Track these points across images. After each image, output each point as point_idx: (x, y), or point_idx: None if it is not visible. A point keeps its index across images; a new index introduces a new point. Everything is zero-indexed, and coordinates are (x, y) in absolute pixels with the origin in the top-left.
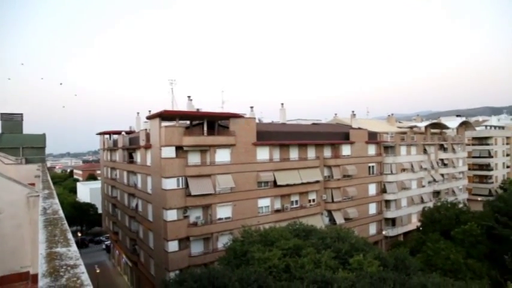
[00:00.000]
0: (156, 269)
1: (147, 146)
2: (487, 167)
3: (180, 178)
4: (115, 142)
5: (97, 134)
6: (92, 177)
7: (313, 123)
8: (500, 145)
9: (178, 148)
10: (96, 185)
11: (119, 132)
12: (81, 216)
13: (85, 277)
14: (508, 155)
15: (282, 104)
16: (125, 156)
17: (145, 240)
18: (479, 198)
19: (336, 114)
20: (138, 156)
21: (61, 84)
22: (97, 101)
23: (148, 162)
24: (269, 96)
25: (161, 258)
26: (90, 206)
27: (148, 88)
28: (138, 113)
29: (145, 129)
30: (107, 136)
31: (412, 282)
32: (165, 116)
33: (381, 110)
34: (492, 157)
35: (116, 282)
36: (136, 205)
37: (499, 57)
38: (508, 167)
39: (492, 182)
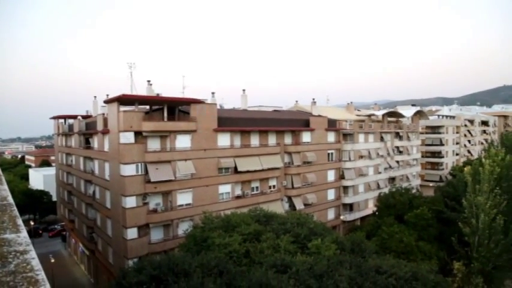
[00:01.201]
0: (114, 257)
1: (105, 131)
2: (439, 155)
3: (139, 164)
4: (70, 127)
5: (51, 118)
6: (45, 164)
7: (275, 110)
8: (450, 134)
9: (138, 133)
10: (51, 171)
11: (74, 117)
12: (33, 204)
13: (35, 262)
14: (457, 143)
15: (244, 90)
16: (81, 142)
17: (103, 228)
18: (430, 184)
19: (297, 101)
20: (95, 142)
21: None
22: (51, 84)
23: (106, 148)
24: (231, 82)
25: (120, 246)
26: (43, 194)
27: (106, 72)
28: (95, 96)
29: (103, 114)
30: (61, 120)
31: (367, 265)
32: (124, 100)
33: (341, 98)
34: (443, 145)
35: (72, 271)
36: (94, 192)
37: (452, 51)
38: (457, 154)
39: (443, 169)
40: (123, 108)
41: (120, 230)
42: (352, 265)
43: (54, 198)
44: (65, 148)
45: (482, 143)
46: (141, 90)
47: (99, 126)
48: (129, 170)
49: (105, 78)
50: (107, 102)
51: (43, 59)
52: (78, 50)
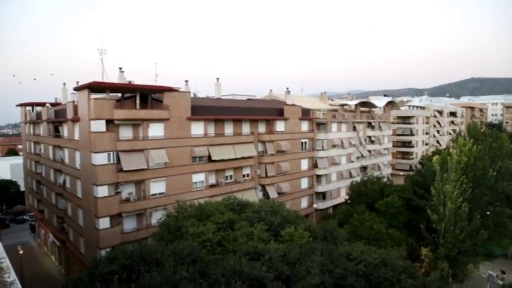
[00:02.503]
0: (86, 247)
1: (75, 119)
2: (409, 144)
3: (111, 153)
4: (39, 114)
5: (17, 106)
6: (12, 153)
7: (249, 99)
8: (420, 124)
9: (109, 122)
10: (18, 160)
11: (42, 104)
12: (0, 195)
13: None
14: (427, 133)
15: (218, 78)
16: (50, 130)
17: (75, 218)
18: (401, 173)
19: (271, 90)
20: (65, 130)
21: None
22: (17, 70)
23: (77, 136)
24: (205, 70)
25: (92, 235)
26: (11, 184)
27: (75, 58)
28: (64, 83)
29: (73, 102)
30: (29, 108)
31: (338, 252)
32: (95, 87)
33: (315, 88)
34: (414, 135)
35: (42, 262)
36: (64, 181)
37: (423, 44)
38: (426, 144)
39: (413, 158)
40: (93, 95)
41: (92, 219)
42: (324, 252)
43: (22, 188)
44: (33, 137)
45: (450, 134)
46: (113, 78)
47: (69, 114)
48: (100, 158)
49: (75, 65)
50: (77, 89)
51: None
52: (44, 37)
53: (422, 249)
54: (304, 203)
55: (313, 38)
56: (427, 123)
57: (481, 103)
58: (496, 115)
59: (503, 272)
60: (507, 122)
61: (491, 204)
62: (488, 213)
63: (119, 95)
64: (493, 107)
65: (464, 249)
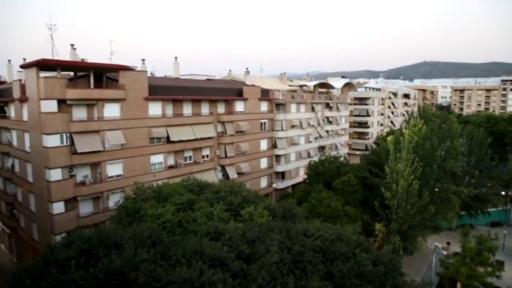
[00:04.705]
0: (39, 233)
1: (23, 99)
2: (365, 125)
3: (64, 134)
4: None
5: None
6: None
7: (208, 79)
8: (376, 105)
9: (61, 102)
10: None
11: None
12: None
13: None
14: (382, 114)
15: (176, 57)
16: None
17: (26, 204)
18: (357, 153)
19: (230, 70)
20: (11, 111)
21: None
22: None
23: (25, 117)
24: (162, 49)
25: (45, 221)
26: None
27: (22, 34)
28: (9, 60)
29: (20, 80)
30: None
31: (296, 229)
32: (44, 65)
33: (274, 69)
34: (369, 116)
35: None
36: (12, 165)
37: (379, 27)
38: (381, 125)
39: (368, 138)
40: (43, 74)
41: (45, 204)
42: (282, 230)
43: None
44: None
45: (403, 115)
46: (64, 56)
47: (16, 94)
48: (52, 140)
49: (21, 41)
50: (24, 67)
51: None
52: None
53: (376, 224)
54: (263, 182)
55: (273, 18)
56: (382, 104)
57: (432, 86)
58: (445, 97)
59: (448, 243)
60: (455, 104)
61: (439, 181)
62: (436, 189)
63: (71, 73)
64: (443, 89)
65: (414, 224)
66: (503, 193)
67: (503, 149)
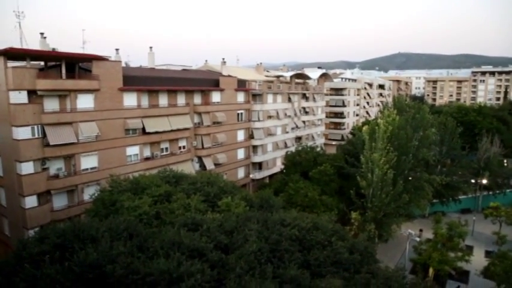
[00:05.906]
0: (11, 228)
1: None
2: (341, 115)
3: (36, 126)
4: None
5: None
6: None
7: (184, 69)
8: (352, 96)
9: (32, 93)
10: None
11: None
12: None
13: None
14: (357, 104)
15: (151, 47)
16: None
17: None
18: (333, 143)
19: (206, 61)
20: None
21: None
22: None
23: None
24: (137, 39)
25: (17, 216)
26: None
27: None
28: None
29: None
30: None
31: (273, 218)
32: (12, 54)
33: (251, 59)
34: (345, 106)
35: None
36: None
37: (355, 19)
38: (357, 115)
39: (344, 128)
40: (11, 63)
41: (16, 198)
42: (260, 220)
43: None
44: None
45: (378, 105)
46: (34, 45)
47: None
48: (23, 133)
49: None
50: None
51: None
52: None
53: (352, 213)
54: (241, 173)
55: (250, 7)
56: (358, 95)
57: (406, 77)
58: (419, 88)
59: (421, 230)
60: (428, 95)
61: (413, 170)
62: (410, 178)
63: (42, 63)
64: (416, 80)
65: (389, 212)
66: (473, 181)
67: (473, 139)
